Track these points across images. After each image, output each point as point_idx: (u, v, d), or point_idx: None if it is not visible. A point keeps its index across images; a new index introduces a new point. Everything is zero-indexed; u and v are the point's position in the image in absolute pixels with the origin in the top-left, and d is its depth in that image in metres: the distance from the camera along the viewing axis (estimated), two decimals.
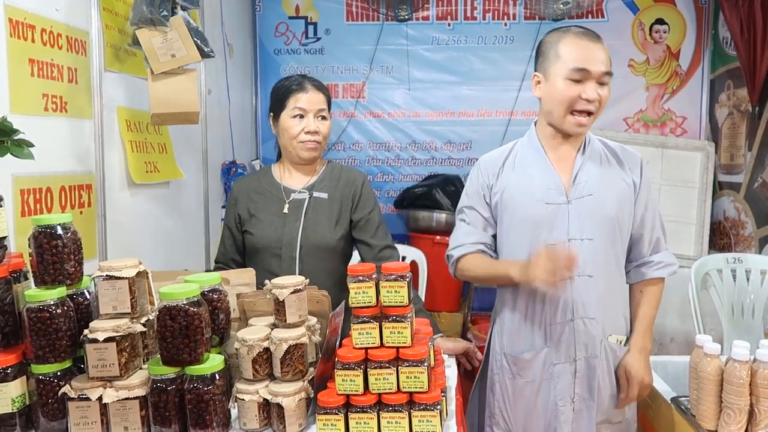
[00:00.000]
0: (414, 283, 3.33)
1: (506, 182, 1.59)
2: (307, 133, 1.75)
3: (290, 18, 3.89)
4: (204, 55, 1.91)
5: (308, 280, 1.69)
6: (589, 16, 3.81)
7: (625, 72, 3.82)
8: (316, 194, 1.80)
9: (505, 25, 3.86)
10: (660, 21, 3.80)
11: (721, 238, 3.63)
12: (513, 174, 1.60)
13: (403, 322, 1.17)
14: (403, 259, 3.24)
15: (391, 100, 3.95)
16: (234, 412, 1.22)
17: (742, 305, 2.50)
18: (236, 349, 1.20)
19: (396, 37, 3.89)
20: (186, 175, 2.62)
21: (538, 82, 1.57)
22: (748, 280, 2.52)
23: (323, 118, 1.79)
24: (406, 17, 3.84)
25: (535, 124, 1.65)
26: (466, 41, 3.88)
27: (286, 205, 1.79)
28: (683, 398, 1.47)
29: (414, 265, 3.21)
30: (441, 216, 3.63)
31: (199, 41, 1.87)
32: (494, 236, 1.67)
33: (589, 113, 1.50)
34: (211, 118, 3.00)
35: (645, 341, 1.55)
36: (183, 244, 2.70)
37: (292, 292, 1.21)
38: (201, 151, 2.95)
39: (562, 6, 3.71)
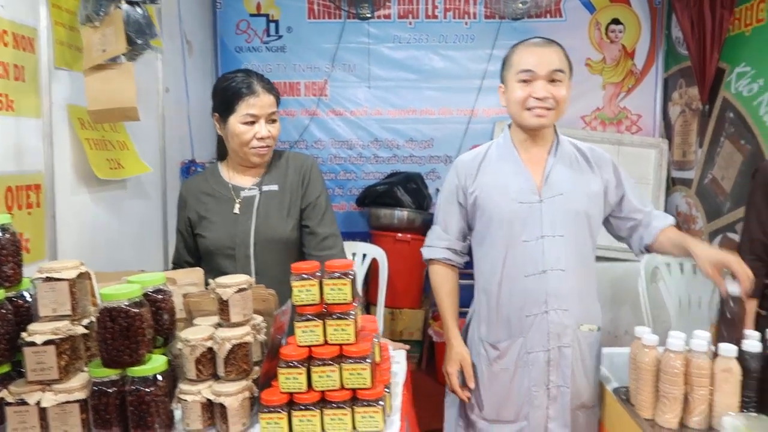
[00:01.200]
0: (373, 281, 3.38)
1: (482, 182, 1.67)
2: (259, 139, 1.72)
3: (251, 15, 3.87)
4: (134, 46, 1.86)
5: (254, 279, 1.72)
6: (548, 15, 3.87)
7: (582, 71, 3.90)
8: (266, 188, 1.78)
9: (466, 24, 3.90)
10: (616, 21, 3.89)
11: None
12: (488, 175, 1.67)
13: (346, 319, 1.18)
14: (364, 257, 3.25)
15: (353, 98, 3.96)
16: (178, 414, 1.21)
17: (689, 297, 2.59)
18: (179, 349, 1.19)
19: (358, 36, 3.90)
20: (142, 174, 2.59)
21: (503, 92, 1.66)
22: (695, 273, 2.60)
23: (273, 120, 1.76)
24: (368, 15, 3.85)
25: (510, 128, 1.71)
26: (427, 40, 3.91)
27: (237, 205, 1.76)
28: (624, 388, 1.51)
29: (375, 263, 3.23)
30: (402, 213, 3.66)
31: (133, 33, 1.82)
32: (466, 237, 1.76)
33: (546, 109, 1.55)
34: (169, 117, 2.96)
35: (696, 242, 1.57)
36: (140, 244, 2.66)
37: (236, 292, 1.21)
38: (159, 150, 2.90)
39: (521, 5, 3.76)
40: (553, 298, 1.58)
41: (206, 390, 1.18)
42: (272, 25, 3.87)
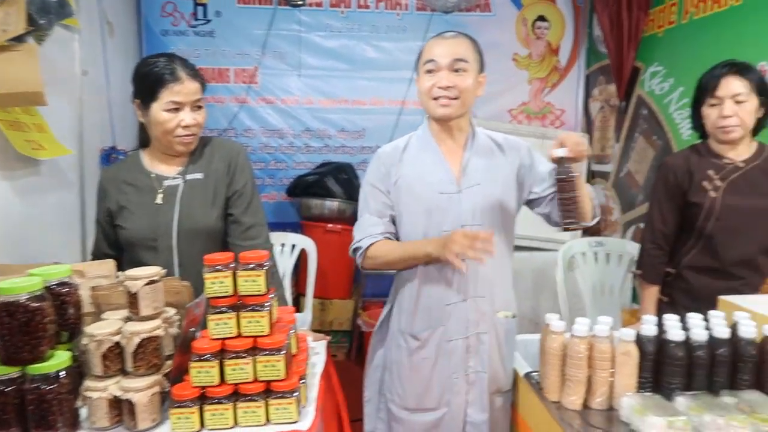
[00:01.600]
0: (303, 271, 3.37)
1: (403, 173, 1.68)
2: (185, 127, 1.66)
3: None
4: (38, 26, 1.75)
5: (177, 271, 1.69)
6: (477, 9, 3.95)
7: (509, 65, 4.01)
8: (190, 177, 1.72)
9: (398, 15, 3.92)
10: (542, 18, 4.01)
11: None
12: (409, 165, 1.69)
13: (261, 311, 1.17)
14: (293, 247, 3.24)
15: (284, 86, 3.90)
16: (85, 412, 1.17)
17: (602, 285, 2.73)
18: (84, 344, 1.15)
19: (289, 23, 3.83)
20: (58, 160, 2.46)
21: (417, 82, 1.69)
22: (608, 262, 2.75)
23: (199, 107, 1.71)
24: (300, 3, 3.79)
25: (428, 120, 1.73)
26: (359, 29, 3.90)
27: (160, 195, 1.70)
28: (535, 373, 1.58)
29: (305, 254, 3.22)
30: (333, 204, 3.65)
31: (36, 13, 1.72)
32: (395, 223, 1.73)
33: (450, 98, 1.59)
34: (87, 101, 2.83)
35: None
36: (56, 235, 2.53)
37: (146, 284, 1.18)
38: (76, 135, 2.77)
39: None
40: (471, 286, 1.63)
41: (113, 386, 1.14)
42: (200, 9, 3.75)
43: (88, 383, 1.15)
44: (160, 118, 1.65)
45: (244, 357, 1.15)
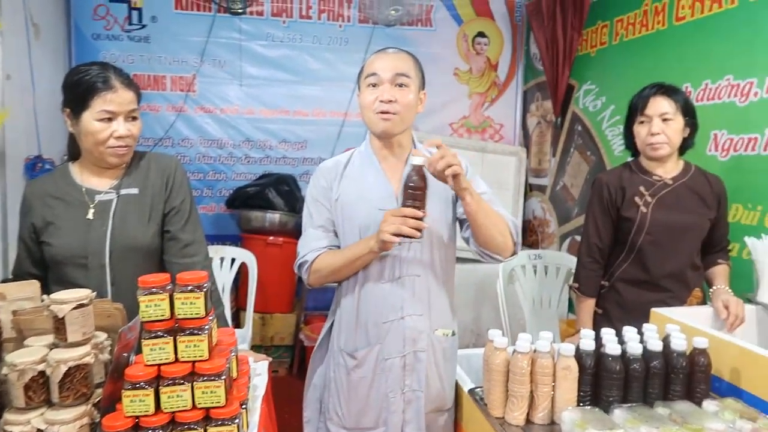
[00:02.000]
0: (243, 285, 3.28)
1: (344, 190, 1.65)
2: (118, 138, 1.59)
3: (111, 1, 3.59)
4: None
5: (110, 290, 1.60)
6: (419, 24, 4.00)
7: (450, 80, 4.08)
8: (124, 191, 1.64)
9: (340, 26, 3.92)
10: (481, 34, 4.11)
11: (530, 235, 4.04)
12: (350, 182, 1.66)
13: (199, 334, 1.12)
14: (233, 261, 3.15)
15: (223, 95, 3.82)
16: None
17: (541, 297, 2.80)
18: (4, 375, 1.06)
19: (229, 31, 3.76)
20: None
21: (359, 97, 1.67)
22: (546, 274, 2.82)
23: (134, 118, 1.64)
24: (240, 11, 3.73)
25: (370, 136, 1.72)
26: (301, 40, 3.87)
27: (91, 210, 1.61)
28: (479, 389, 1.59)
29: (245, 267, 3.14)
30: (274, 216, 3.59)
31: None
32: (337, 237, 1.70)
33: (392, 113, 1.57)
34: (11, 106, 2.67)
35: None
36: None
37: (74, 308, 1.10)
38: None
39: (393, 12, 3.84)
40: (408, 303, 1.61)
41: (37, 419, 1.06)
42: (135, 13, 3.62)
43: (7, 416, 1.06)
44: (92, 128, 1.56)
45: (182, 383, 1.10)
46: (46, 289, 1.39)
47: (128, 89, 1.61)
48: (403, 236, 1.44)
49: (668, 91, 1.95)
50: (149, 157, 1.73)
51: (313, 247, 1.65)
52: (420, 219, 1.44)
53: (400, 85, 1.58)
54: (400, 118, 1.59)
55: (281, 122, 3.92)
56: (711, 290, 1.93)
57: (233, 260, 3.15)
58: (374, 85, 1.59)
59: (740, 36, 2.32)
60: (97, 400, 1.13)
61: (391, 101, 1.56)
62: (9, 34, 2.68)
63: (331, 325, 1.73)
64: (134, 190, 1.64)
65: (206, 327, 1.14)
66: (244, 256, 3.15)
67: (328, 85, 3.91)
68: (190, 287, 1.13)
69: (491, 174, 3.90)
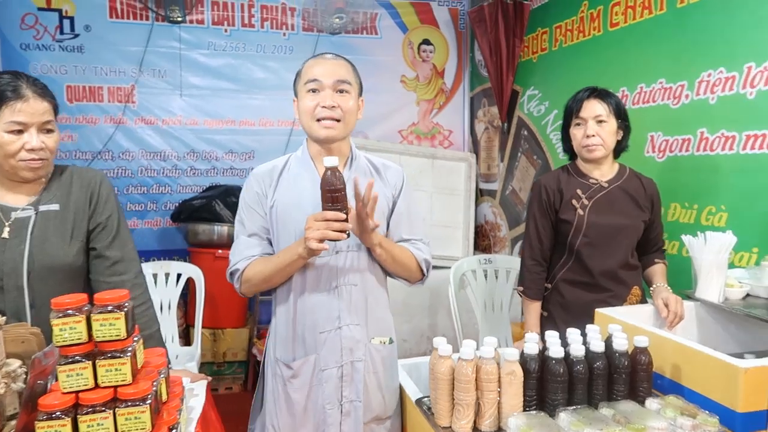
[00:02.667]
0: (192, 301, 3.17)
1: (279, 195, 1.61)
2: (29, 150, 1.49)
3: (40, 9, 3.44)
4: None
5: (29, 314, 1.49)
6: (364, 32, 3.99)
7: (398, 87, 4.08)
8: (43, 208, 1.55)
9: (284, 35, 3.87)
10: (427, 41, 4.13)
11: (483, 240, 4.06)
12: (286, 188, 1.62)
13: (121, 357, 1.05)
14: (179, 276, 3.04)
15: (165, 106, 3.71)
16: None
17: (492, 301, 2.80)
18: None
19: (168, 40, 3.66)
20: None
21: (296, 105, 1.64)
22: (496, 278, 2.83)
23: (49, 130, 1.53)
24: (179, 19, 3.64)
25: (307, 141, 1.68)
26: (244, 48, 3.80)
27: (6, 228, 1.51)
28: (426, 398, 1.56)
29: (193, 282, 3.04)
30: (222, 229, 3.50)
31: None
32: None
33: (334, 120, 1.55)
34: None
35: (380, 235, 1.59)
36: None
37: None
38: None
39: (337, 20, 3.82)
40: (345, 313, 1.58)
41: None
42: (66, 22, 3.48)
43: None
44: (1, 141, 1.46)
45: (103, 411, 1.02)
46: None
47: (42, 99, 1.51)
48: (329, 240, 1.42)
49: (601, 94, 1.98)
50: (72, 171, 1.63)
51: (244, 255, 1.60)
52: (344, 220, 1.42)
53: (341, 92, 1.56)
54: (343, 124, 1.57)
55: (227, 132, 3.83)
56: (651, 288, 1.96)
57: (179, 276, 3.05)
58: (314, 91, 1.56)
59: (670, 40, 2.38)
60: None
61: (333, 107, 1.54)
62: None
63: (270, 328, 1.69)
64: (55, 206, 1.54)
65: (128, 349, 1.07)
66: (191, 270, 3.05)
67: (273, 94, 3.84)
68: (109, 307, 1.06)
69: (442, 180, 3.91)
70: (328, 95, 1.54)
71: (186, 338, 3.49)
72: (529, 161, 3.50)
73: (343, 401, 1.58)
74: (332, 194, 1.41)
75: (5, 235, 1.50)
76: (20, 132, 1.47)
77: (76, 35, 3.50)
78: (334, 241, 1.43)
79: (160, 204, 3.75)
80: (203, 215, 3.49)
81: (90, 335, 1.05)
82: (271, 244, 1.64)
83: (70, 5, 3.47)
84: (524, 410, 1.39)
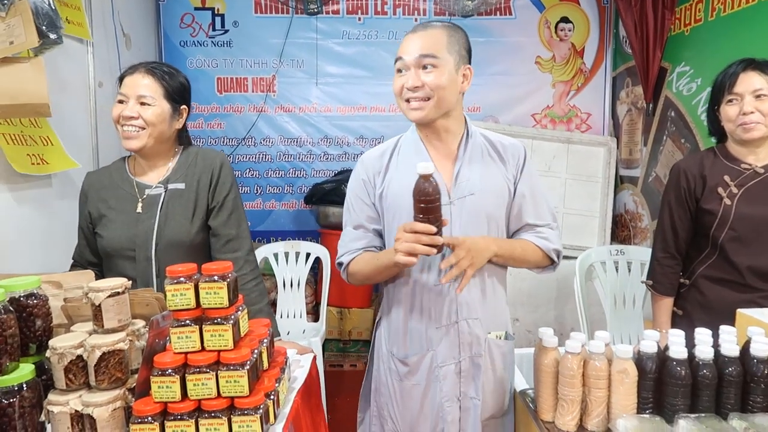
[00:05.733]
0: (319, 280, 3.32)
1: (390, 180, 1.55)
2: (125, 118, 1.61)
3: (196, 9, 3.78)
4: (46, 39, 1.78)
5: (155, 283, 1.64)
6: (497, 13, 3.86)
7: (532, 69, 3.90)
8: (171, 186, 1.68)
9: (416, 20, 3.86)
10: (565, 19, 3.89)
11: (622, 230, 3.76)
12: (396, 174, 1.55)
13: (224, 324, 1.13)
14: (308, 255, 3.21)
15: (302, 94, 3.90)
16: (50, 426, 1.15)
17: (623, 295, 2.59)
18: (47, 357, 1.13)
19: (306, 31, 3.83)
20: (70, 172, 2.49)
21: None
22: (629, 271, 2.61)
23: (147, 104, 1.63)
24: (316, 10, 3.79)
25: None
26: (377, 36, 3.87)
27: (140, 204, 1.68)
28: (530, 390, 1.49)
29: (322, 262, 3.19)
30: None
31: (45, 26, 1.74)
32: (382, 236, 1.61)
33: (422, 100, 1.46)
34: (103, 112, 2.87)
35: (492, 241, 1.50)
36: (65, 244, 2.58)
37: (109, 296, 1.15)
38: (90, 147, 2.81)
39: (469, 2, 3.74)
40: (463, 307, 1.51)
41: (75, 400, 1.11)
42: (218, 19, 3.79)
43: (50, 397, 1.13)
44: (113, 109, 1.66)
45: (207, 372, 1.11)
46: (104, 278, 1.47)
47: (148, 76, 1.65)
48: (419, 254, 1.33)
49: (761, 65, 1.72)
50: (197, 152, 1.77)
51: (349, 249, 1.57)
52: (436, 233, 1.31)
53: (426, 67, 1.44)
54: (434, 103, 1.45)
55: (358, 119, 3.94)
56: None
57: (308, 255, 3.21)
58: (400, 71, 1.48)
59: None
60: (133, 385, 1.18)
61: (417, 87, 1.44)
62: (101, 45, 2.89)
63: (381, 325, 1.65)
64: (180, 185, 1.69)
65: (231, 317, 1.15)
66: (319, 250, 3.19)
67: None
68: (215, 277, 1.14)
69: (577, 166, 3.68)
70: (411, 75, 1.45)
71: (315, 315, 3.67)
72: (675, 145, 3.16)
73: (461, 397, 1.53)
74: (424, 205, 1.31)
75: (139, 209, 1.67)
76: (121, 102, 1.65)
77: (226, 31, 3.80)
78: (426, 255, 1.34)
79: (295, 187, 3.97)
80: (333, 198, 3.63)
81: (198, 302, 1.14)
82: (379, 235, 1.60)
83: (221, 3, 3.78)
84: (638, 413, 1.28)
